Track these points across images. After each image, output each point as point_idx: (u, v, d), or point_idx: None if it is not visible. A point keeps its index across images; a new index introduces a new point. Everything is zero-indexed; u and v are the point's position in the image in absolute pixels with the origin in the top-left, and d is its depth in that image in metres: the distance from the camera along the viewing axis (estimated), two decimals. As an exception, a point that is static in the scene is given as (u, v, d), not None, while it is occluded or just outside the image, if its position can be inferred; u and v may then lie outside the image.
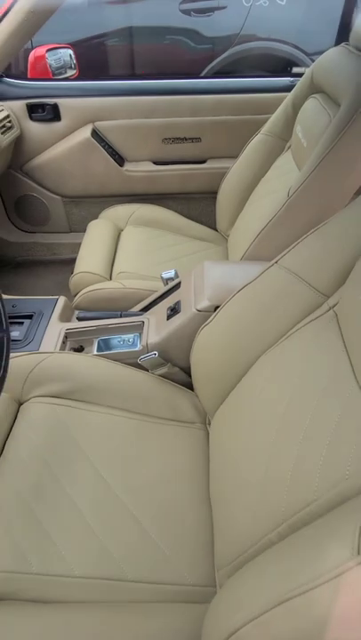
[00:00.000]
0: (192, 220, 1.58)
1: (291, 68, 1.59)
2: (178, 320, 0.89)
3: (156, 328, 0.94)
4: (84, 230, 1.72)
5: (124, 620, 0.58)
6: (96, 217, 1.57)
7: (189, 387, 0.93)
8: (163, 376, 0.92)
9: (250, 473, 0.62)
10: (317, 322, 0.65)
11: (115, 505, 0.69)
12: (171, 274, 1.08)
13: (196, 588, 0.63)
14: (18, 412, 0.83)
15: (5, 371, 0.60)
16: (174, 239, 1.46)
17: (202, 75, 1.61)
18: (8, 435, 0.78)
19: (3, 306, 0.64)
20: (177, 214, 1.55)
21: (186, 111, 1.47)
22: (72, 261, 1.78)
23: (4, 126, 1.33)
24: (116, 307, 1.11)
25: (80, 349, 0.97)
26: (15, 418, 0.81)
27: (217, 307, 0.85)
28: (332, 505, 0.47)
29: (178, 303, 0.93)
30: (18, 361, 0.87)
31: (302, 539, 0.46)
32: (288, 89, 1.30)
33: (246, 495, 0.61)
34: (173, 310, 0.92)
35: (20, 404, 0.84)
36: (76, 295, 1.21)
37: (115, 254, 1.37)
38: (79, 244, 1.74)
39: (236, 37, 2.46)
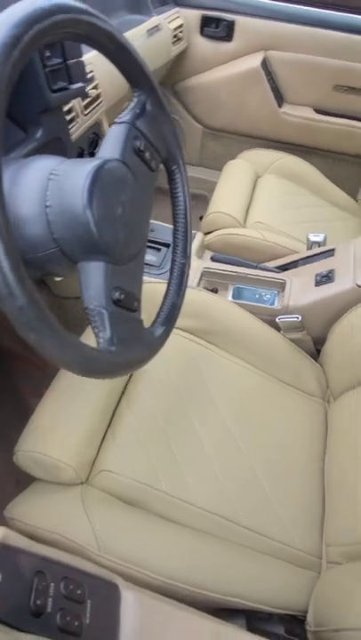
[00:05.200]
0: (333, 182, 1.45)
1: None
2: (330, 289, 0.84)
3: (302, 292, 0.89)
4: (213, 167, 1.64)
5: (233, 558, 0.60)
6: (231, 156, 1.48)
7: (313, 358, 0.90)
8: (292, 340, 0.89)
9: None
10: None
11: (236, 453, 0.70)
12: (319, 238, 1.02)
13: (301, 553, 0.64)
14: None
15: (184, 295, 0.60)
16: (313, 200, 1.36)
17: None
18: None
19: (190, 234, 0.62)
20: (320, 173, 1.42)
21: (372, 58, 1.29)
22: (194, 196, 1.74)
23: (175, 36, 1.25)
24: (250, 256, 1.07)
25: (214, 291, 0.96)
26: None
27: (381, 287, 0.79)
28: None
29: (332, 272, 0.87)
30: (158, 287, 0.87)
31: None
32: None
33: None
34: (325, 278, 0.87)
35: (154, 328, 0.85)
36: (206, 233, 1.18)
37: (250, 201, 1.30)
38: (205, 180, 1.68)
39: None
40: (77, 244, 0.43)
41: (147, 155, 0.51)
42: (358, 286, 0.81)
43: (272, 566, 0.61)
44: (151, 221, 1.14)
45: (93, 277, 0.44)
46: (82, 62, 0.62)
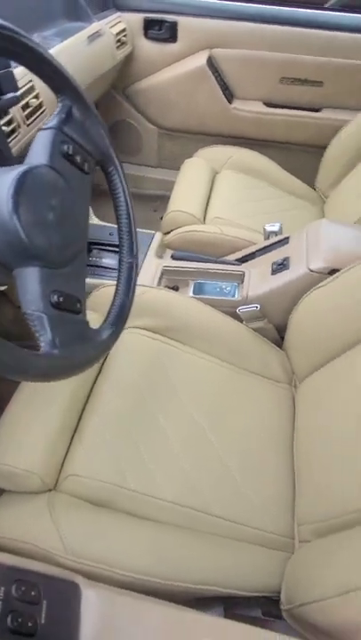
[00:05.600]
0: (289, 172, 1.47)
1: None
2: (286, 276, 0.86)
3: (259, 281, 0.91)
4: (173, 167, 1.66)
5: (205, 548, 0.61)
6: (189, 155, 1.50)
7: (278, 345, 0.92)
8: (255, 330, 0.90)
9: (352, 448, 0.61)
10: None
11: (204, 444, 0.71)
12: (275, 227, 1.03)
13: (274, 535, 0.65)
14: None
15: (133, 294, 0.60)
16: (271, 192, 1.38)
17: (330, 5, 1.42)
18: (105, 359, 0.81)
19: (136, 233, 0.63)
20: (276, 165, 1.45)
21: (313, 49, 1.32)
22: (155, 197, 1.75)
23: (119, 40, 1.25)
24: (211, 252, 1.08)
25: (175, 289, 0.97)
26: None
27: (333, 270, 0.81)
28: None
29: (287, 259, 0.89)
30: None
31: None
32: None
33: (345, 468, 0.61)
34: (281, 266, 0.89)
35: (117, 331, 0.86)
36: (166, 233, 1.19)
37: (209, 197, 1.31)
38: (165, 181, 1.70)
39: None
40: (9, 251, 0.43)
41: (77, 158, 0.52)
42: (311, 271, 0.83)
43: (245, 551, 0.62)
44: (109, 225, 1.15)
45: (30, 283, 0.44)
46: (11, 72, 0.63)
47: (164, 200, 1.70)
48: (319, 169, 1.46)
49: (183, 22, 1.32)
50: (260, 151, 1.45)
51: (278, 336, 0.93)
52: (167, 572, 0.55)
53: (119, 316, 0.57)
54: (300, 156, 1.52)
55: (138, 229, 1.12)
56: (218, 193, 1.32)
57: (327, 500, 0.62)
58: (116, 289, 0.60)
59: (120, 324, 0.57)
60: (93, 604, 0.40)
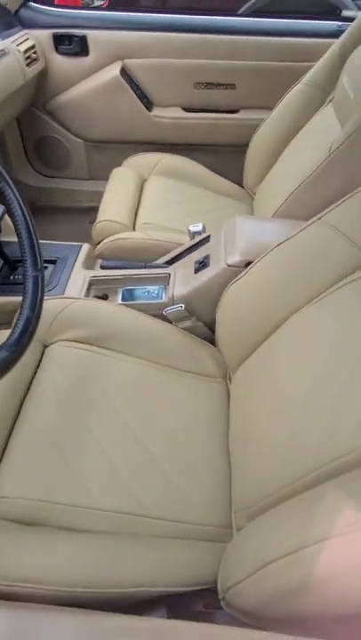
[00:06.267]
0: (218, 174, 1.52)
1: (340, 12, 1.47)
2: (207, 274, 0.88)
3: (183, 281, 0.93)
4: (104, 178, 1.67)
5: (140, 551, 0.61)
6: (117, 164, 1.52)
7: (211, 341, 0.94)
8: (186, 329, 0.92)
9: (276, 427, 0.64)
10: (358, 283, 0.64)
11: (137, 447, 0.72)
12: (198, 227, 1.06)
13: (212, 528, 0.66)
14: (42, 353, 0.84)
15: (40, 309, 0.60)
16: (199, 193, 1.41)
17: (240, 12, 1.49)
18: (33, 375, 0.80)
19: (39, 245, 0.63)
20: (203, 167, 1.49)
21: (222, 53, 1.37)
22: (90, 210, 1.75)
23: (29, 57, 1.25)
24: (140, 257, 1.09)
25: (104, 298, 0.97)
26: (40, 359, 0.83)
27: (248, 263, 0.84)
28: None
29: (207, 257, 0.91)
30: (44, 304, 0.87)
31: (326, 492, 0.48)
32: (335, 35, 1.21)
33: (271, 447, 0.63)
34: (202, 264, 0.91)
35: (45, 346, 0.85)
36: (98, 243, 1.19)
37: (138, 204, 1.33)
38: (98, 193, 1.70)
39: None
40: None
41: None
42: (229, 266, 0.85)
43: (183, 548, 0.63)
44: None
45: None
46: None
47: (97, 211, 1.71)
48: (244, 168, 1.51)
49: (92, 36, 1.34)
50: (187, 155, 1.48)
51: (210, 332, 0.95)
52: (98, 582, 0.54)
53: (24, 331, 0.57)
54: (225, 157, 1.57)
55: (66, 242, 1.13)
56: (146, 199, 1.34)
57: (256, 483, 0.64)
58: (22, 304, 0.59)
59: (25, 339, 0.56)
60: (2, 624, 0.40)
